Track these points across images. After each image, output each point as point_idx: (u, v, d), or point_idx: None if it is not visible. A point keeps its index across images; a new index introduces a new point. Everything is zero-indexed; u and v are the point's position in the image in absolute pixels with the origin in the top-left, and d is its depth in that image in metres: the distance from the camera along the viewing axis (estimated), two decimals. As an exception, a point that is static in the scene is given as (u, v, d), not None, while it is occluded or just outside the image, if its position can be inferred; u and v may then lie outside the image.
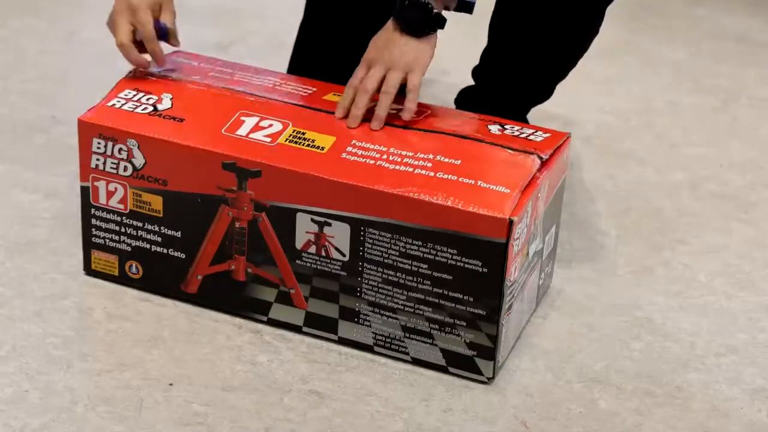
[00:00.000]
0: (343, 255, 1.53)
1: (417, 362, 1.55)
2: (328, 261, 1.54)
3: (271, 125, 1.55)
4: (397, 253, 1.50)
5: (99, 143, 1.59)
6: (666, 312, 1.71)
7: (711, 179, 2.04)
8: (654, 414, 1.51)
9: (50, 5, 2.57)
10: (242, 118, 1.56)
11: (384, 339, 1.55)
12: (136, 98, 1.60)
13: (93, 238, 1.65)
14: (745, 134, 2.22)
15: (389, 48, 1.59)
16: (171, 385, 1.50)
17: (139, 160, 1.58)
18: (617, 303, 1.72)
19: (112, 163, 1.59)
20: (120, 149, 1.58)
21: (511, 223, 1.44)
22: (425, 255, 1.49)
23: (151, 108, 1.59)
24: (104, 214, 1.63)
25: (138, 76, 1.65)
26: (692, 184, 2.04)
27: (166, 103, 1.59)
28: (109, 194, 1.61)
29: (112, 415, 1.45)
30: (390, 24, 1.60)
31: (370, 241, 1.51)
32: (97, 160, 1.60)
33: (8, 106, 2.15)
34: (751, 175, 2.07)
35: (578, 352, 1.61)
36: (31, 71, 2.28)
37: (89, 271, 1.68)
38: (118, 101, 1.61)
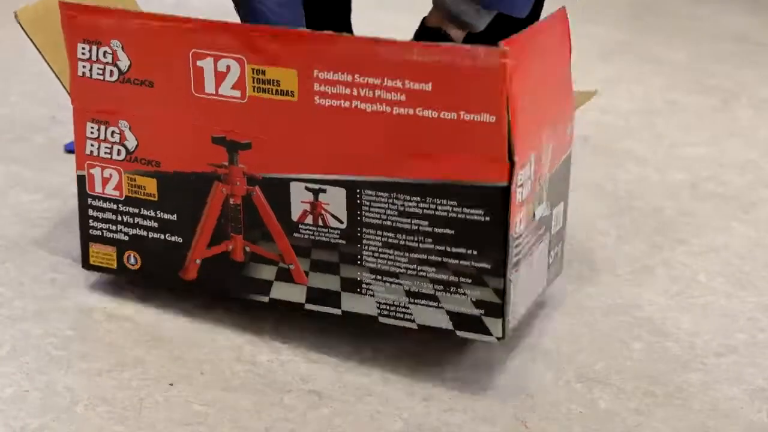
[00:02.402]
0: (341, 222, 1.51)
1: (423, 329, 1.51)
2: (326, 230, 1.52)
3: (228, 68, 1.50)
4: (396, 213, 1.47)
5: (92, 128, 1.59)
6: (666, 312, 1.71)
7: (711, 179, 2.04)
8: (654, 414, 1.51)
9: (50, 5, 2.57)
10: (199, 63, 1.52)
11: (388, 307, 1.52)
12: (94, 56, 1.57)
13: (91, 230, 1.65)
14: (745, 134, 2.22)
15: None
16: (171, 385, 1.51)
17: (131, 142, 1.58)
18: (617, 303, 1.72)
19: (105, 147, 1.60)
20: (113, 132, 1.59)
21: (512, 165, 1.40)
22: (424, 211, 1.46)
23: (115, 70, 1.56)
24: (101, 203, 1.63)
25: (73, 20, 1.58)
26: (692, 184, 2.04)
27: (123, 60, 1.56)
28: (105, 181, 1.61)
29: (112, 415, 1.45)
30: None
31: (367, 203, 1.48)
32: (92, 146, 1.60)
33: (8, 106, 2.16)
34: (751, 175, 2.08)
35: (578, 352, 1.61)
36: (31, 71, 2.28)
37: (88, 265, 1.67)
38: (83, 66, 1.58)
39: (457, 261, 1.47)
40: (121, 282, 1.69)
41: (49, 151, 2.01)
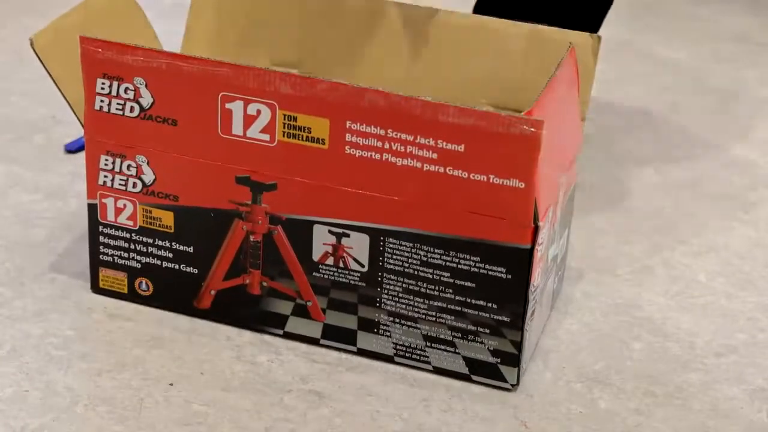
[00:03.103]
0: (362, 266, 1.51)
1: (439, 371, 1.54)
2: (347, 272, 1.52)
3: (259, 112, 1.50)
4: (418, 262, 1.49)
5: (107, 160, 1.58)
6: (666, 312, 1.71)
7: (711, 179, 2.04)
8: (654, 414, 1.51)
9: (50, 5, 2.57)
10: (227, 106, 1.50)
11: (405, 349, 1.54)
12: (114, 91, 1.54)
13: (101, 256, 1.63)
14: (745, 134, 2.22)
15: None
16: (171, 385, 1.51)
17: (149, 176, 1.56)
18: (617, 303, 1.72)
19: (120, 179, 1.58)
20: (129, 166, 1.57)
21: (536, 228, 1.43)
22: (447, 263, 1.48)
23: (136, 107, 1.54)
24: (113, 231, 1.61)
25: (95, 55, 1.55)
26: (692, 184, 2.04)
27: (146, 97, 1.53)
28: (118, 211, 1.60)
29: (112, 415, 1.45)
30: None
31: (390, 250, 1.49)
32: (105, 177, 1.59)
33: (8, 106, 2.15)
34: (751, 175, 2.08)
35: (578, 352, 1.61)
36: (31, 71, 2.28)
37: (97, 289, 1.66)
38: (101, 101, 1.55)
39: (476, 312, 1.49)
40: (121, 282, 1.69)
41: (49, 151, 2.01)
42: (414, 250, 1.48)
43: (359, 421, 1.47)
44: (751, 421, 1.51)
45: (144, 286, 1.63)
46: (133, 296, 1.64)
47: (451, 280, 1.48)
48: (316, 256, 1.53)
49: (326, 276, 1.53)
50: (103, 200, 1.60)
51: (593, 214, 1.93)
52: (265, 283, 1.57)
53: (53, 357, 1.54)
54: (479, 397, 1.52)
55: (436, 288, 1.50)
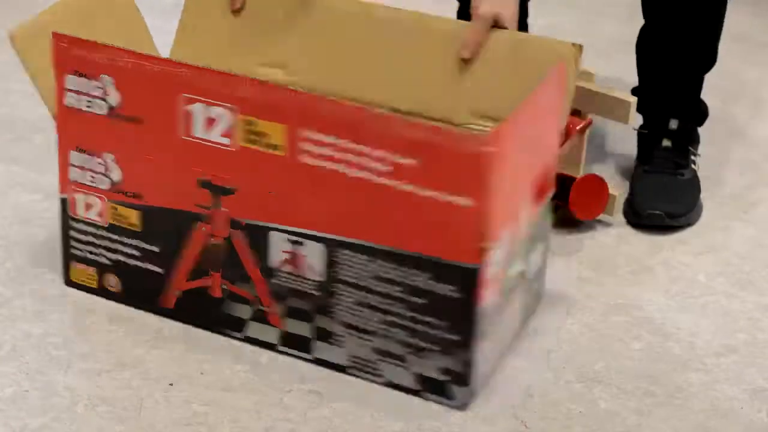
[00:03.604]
0: (318, 275, 1.51)
1: (390, 385, 1.52)
2: (303, 280, 1.52)
3: (219, 115, 1.49)
4: (371, 275, 1.48)
5: (77, 156, 1.59)
6: (666, 312, 1.71)
7: (711, 179, 2.03)
8: (654, 414, 1.51)
9: (50, 5, 2.56)
10: (188, 107, 1.51)
11: (358, 360, 1.53)
12: (83, 89, 1.55)
13: (72, 250, 1.65)
14: (745, 134, 2.22)
15: None
16: (171, 385, 1.50)
17: (116, 174, 1.57)
18: (617, 303, 1.72)
19: (90, 176, 1.59)
20: (98, 163, 1.58)
21: (484, 250, 1.42)
22: (399, 278, 1.46)
23: (105, 104, 1.55)
24: (83, 227, 1.63)
25: (65, 51, 1.57)
26: (692, 184, 2.04)
27: (113, 95, 1.54)
28: (87, 206, 1.61)
29: (112, 415, 1.45)
30: None
31: (344, 261, 1.49)
32: (75, 172, 1.60)
33: (8, 106, 2.15)
34: (751, 175, 2.07)
35: (578, 352, 1.61)
36: (31, 71, 2.27)
37: (69, 282, 1.67)
38: (71, 97, 1.56)
39: (427, 329, 1.48)
40: (121, 282, 1.69)
41: (49, 151, 2.01)
42: (367, 263, 1.47)
43: (359, 421, 1.47)
44: (751, 421, 1.51)
45: (112, 282, 1.64)
46: (102, 292, 1.65)
47: (403, 296, 1.47)
48: (273, 263, 1.53)
49: (283, 282, 1.53)
50: (74, 195, 1.62)
51: (593, 214, 1.93)
52: (225, 286, 1.57)
53: (53, 357, 1.54)
54: (479, 397, 1.52)
55: (389, 302, 1.48)
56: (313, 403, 1.49)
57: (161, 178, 1.55)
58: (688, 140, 1.99)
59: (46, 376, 1.51)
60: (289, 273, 1.52)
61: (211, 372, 1.53)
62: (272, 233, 1.51)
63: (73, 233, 1.64)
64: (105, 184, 1.59)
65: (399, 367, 1.51)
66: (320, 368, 1.54)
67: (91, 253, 1.64)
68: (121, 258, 1.62)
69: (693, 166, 1.97)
